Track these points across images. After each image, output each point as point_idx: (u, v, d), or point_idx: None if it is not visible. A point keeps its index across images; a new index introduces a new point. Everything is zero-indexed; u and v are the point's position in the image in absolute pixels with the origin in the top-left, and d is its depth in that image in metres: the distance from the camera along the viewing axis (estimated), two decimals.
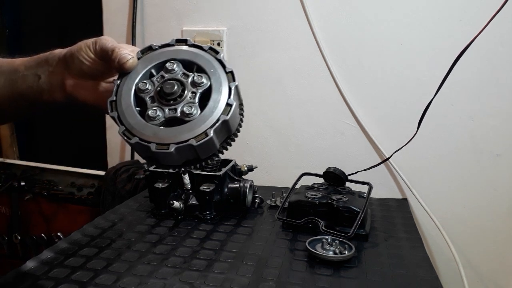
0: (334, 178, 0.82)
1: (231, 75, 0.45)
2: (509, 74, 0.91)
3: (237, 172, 0.86)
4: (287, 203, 0.78)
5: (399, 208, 0.90)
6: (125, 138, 0.43)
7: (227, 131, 0.45)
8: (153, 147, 0.42)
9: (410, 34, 0.94)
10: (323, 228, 0.71)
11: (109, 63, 0.48)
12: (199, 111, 0.43)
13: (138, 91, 0.45)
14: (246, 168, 0.87)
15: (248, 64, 1.04)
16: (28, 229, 1.29)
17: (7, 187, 1.27)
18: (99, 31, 1.13)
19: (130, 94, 0.45)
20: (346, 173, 0.82)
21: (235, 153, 0.90)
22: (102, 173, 1.14)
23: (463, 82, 0.91)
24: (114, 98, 0.45)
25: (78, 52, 0.50)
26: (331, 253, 0.63)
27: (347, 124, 1.00)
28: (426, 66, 0.94)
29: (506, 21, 0.84)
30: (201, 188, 0.77)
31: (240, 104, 0.47)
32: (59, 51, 0.52)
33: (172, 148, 0.41)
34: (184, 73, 0.46)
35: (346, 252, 0.63)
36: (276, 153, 1.06)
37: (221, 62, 0.45)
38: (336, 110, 1.00)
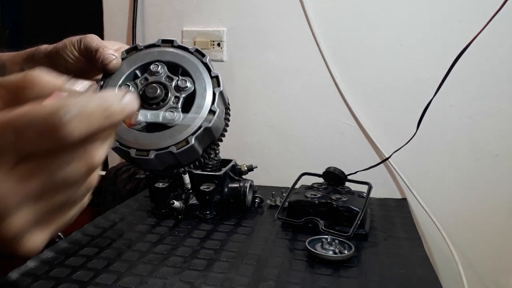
0: (334, 178, 0.82)
1: (216, 80, 0.44)
2: (509, 74, 0.91)
3: (237, 172, 0.86)
4: (287, 203, 0.78)
5: (399, 208, 0.90)
6: None
7: (210, 137, 0.44)
8: (132, 152, 0.41)
9: (410, 34, 0.94)
10: (323, 227, 0.71)
11: (93, 63, 0.47)
12: (181, 117, 0.42)
13: None
14: (246, 168, 0.87)
15: (248, 64, 1.04)
16: None
17: None
18: (99, 32, 1.13)
19: None
20: (346, 173, 0.82)
21: (235, 153, 0.90)
22: (103, 173, 1.14)
23: (462, 82, 0.91)
24: None
25: (63, 50, 0.48)
26: (330, 252, 0.63)
27: (347, 124, 1.00)
28: (426, 66, 0.94)
29: (505, 21, 0.85)
30: (201, 188, 0.77)
31: (226, 109, 0.47)
32: (45, 47, 0.50)
33: (152, 155, 0.41)
34: (168, 76, 0.45)
35: (346, 252, 0.63)
36: (276, 153, 1.07)
37: (206, 66, 0.45)
38: (336, 110, 1.00)
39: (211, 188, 0.77)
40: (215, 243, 0.69)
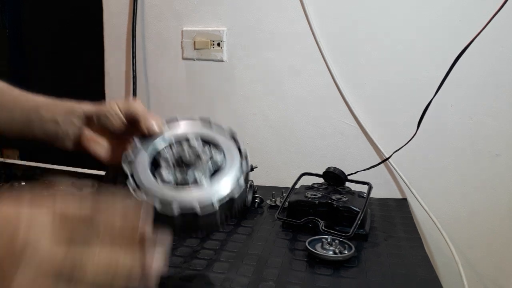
0: (334, 178, 0.82)
1: (245, 159, 0.47)
2: (509, 74, 0.91)
3: None
4: (287, 203, 0.78)
5: (399, 208, 0.90)
6: (135, 194, 0.44)
7: (230, 210, 0.45)
8: (158, 207, 0.42)
9: (410, 34, 0.94)
10: (323, 228, 0.71)
11: (136, 127, 0.50)
12: (209, 184, 0.44)
13: (157, 155, 0.48)
14: None
15: (248, 64, 1.04)
16: None
17: (7, 187, 1.27)
18: (99, 31, 1.13)
19: (148, 157, 0.47)
20: (346, 173, 0.82)
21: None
22: (103, 173, 1.14)
23: (462, 82, 0.91)
24: (132, 157, 0.47)
25: (108, 113, 0.51)
26: (331, 252, 0.63)
27: (347, 124, 1.00)
28: (426, 66, 0.94)
29: (506, 21, 0.84)
30: None
31: (245, 188, 0.48)
32: (86, 106, 0.53)
33: (175, 212, 0.42)
34: (202, 148, 0.48)
35: (346, 252, 0.63)
36: (276, 153, 1.06)
37: (236, 142, 0.49)
38: (336, 110, 1.00)
39: None
40: (215, 243, 0.69)
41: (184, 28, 1.07)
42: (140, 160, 0.47)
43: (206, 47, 1.05)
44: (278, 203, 0.87)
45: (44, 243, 0.30)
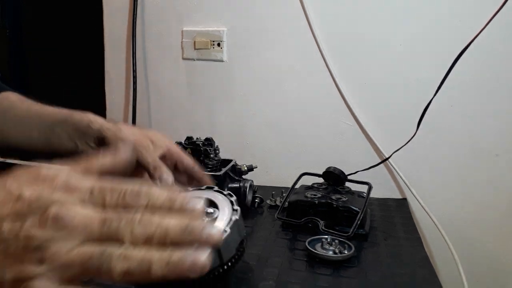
0: (334, 178, 0.82)
1: (236, 212, 0.53)
2: (509, 74, 0.91)
3: (237, 172, 0.86)
4: (287, 203, 0.78)
5: (399, 208, 0.90)
6: None
7: (218, 256, 0.49)
8: None
9: (410, 34, 0.94)
10: (323, 227, 0.71)
11: (147, 172, 0.54)
12: None
13: None
14: (246, 168, 0.87)
15: (248, 65, 1.04)
16: None
17: None
18: (99, 31, 1.13)
19: None
20: (346, 173, 0.82)
21: (235, 153, 0.90)
22: None
23: (462, 82, 0.91)
24: None
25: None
26: (330, 252, 0.63)
27: (347, 124, 1.00)
28: (426, 66, 0.94)
29: (506, 21, 0.84)
30: None
31: (241, 241, 0.54)
32: (100, 132, 0.55)
33: None
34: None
35: (346, 252, 0.63)
36: (276, 153, 1.06)
37: (232, 203, 0.54)
38: (336, 110, 1.00)
39: None
40: None
41: (184, 28, 1.07)
42: None
43: (206, 47, 1.05)
44: (278, 203, 0.87)
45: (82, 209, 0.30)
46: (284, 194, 0.85)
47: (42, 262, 0.27)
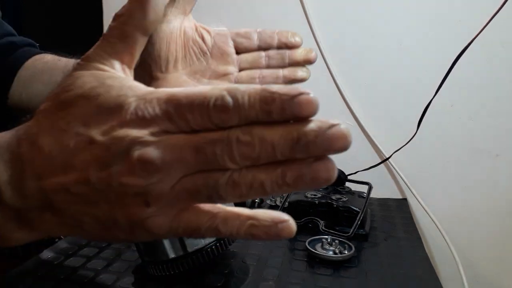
0: None
1: None
2: (509, 74, 0.91)
3: None
4: (287, 203, 0.78)
5: (399, 208, 0.90)
6: None
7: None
8: None
9: (410, 33, 0.94)
10: (323, 228, 0.71)
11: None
12: None
13: None
14: None
15: None
16: None
17: None
18: (99, 31, 1.13)
19: None
20: (346, 173, 0.82)
21: None
22: None
23: (463, 82, 0.91)
24: None
25: None
26: (331, 253, 0.63)
27: (347, 124, 1.00)
28: (426, 66, 0.94)
29: (506, 21, 0.84)
30: None
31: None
32: None
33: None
34: None
35: (346, 252, 0.63)
36: None
37: None
38: (336, 110, 1.00)
39: None
40: None
41: None
42: None
43: None
44: (278, 203, 0.87)
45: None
46: (284, 194, 0.85)
47: (148, 205, 0.26)
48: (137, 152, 0.25)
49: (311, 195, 0.77)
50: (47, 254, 0.63)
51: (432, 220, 0.94)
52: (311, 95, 0.26)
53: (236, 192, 0.25)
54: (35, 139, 0.27)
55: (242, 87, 0.24)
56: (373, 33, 0.96)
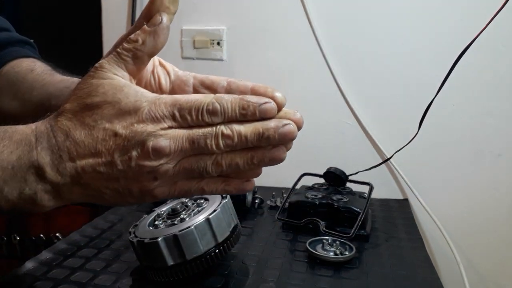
0: (335, 178, 0.81)
1: (225, 197, 0.58)
2: (511, 73, 0.90)
3: None
4: (287, 204, 0.78)
5: (400, 209, 0.90)
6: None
7: (212, 235, 0.53)
8: (147, 240, 0.52)
9: (411, 33, 0.93)
10: (324, 228, 0.71)
11: None
12: (191, 217, 0.54)
13: (155, 216, 0.59)
14: None
15: (248, 64, 1.04)
16: (27, 230, 1.28)
17: None
18: (98, 31, 1.13)
19: (147, 220, 0.59)
20: (347, 173, 0.81)
21: None
22: None
23: (464, 82, 0.91)
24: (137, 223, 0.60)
25: None
26: (331, 253, 0.63)
27: (348, 124, 1.00)
28: (427, 66, 0.93)
29: (507, 20, 0.84)
30: None
31: (235, 227, 0.58)
32: None
33: (159, 239, 0.51)
34: (192, 201, 0.59)
35: (347, 253, 0.63)
36: None
37: (222, 197, 0.58)
38: (337, 110, 1.00)
39: None
40: None
41: (184, 27, 1.06)
42: (141, 223, 0.59)
43: (205, 46, 1.05)
44: (278, 203, 0.86)
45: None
46: (284, 195, 0.84)
47: (156, 180, 0.36)
48: (152, 142, 0.34)
49: (312, 195, 0.76)
50: (46, 254, 0.62)
51: (434, 220, 0.94)
52: (272, 104, 0.36)
53: (219, 169, 0.36)
54: (68, 131, 0.36)
55: (226, 96, 0.36)
56: (374, 33, 0.95)
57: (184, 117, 0.35)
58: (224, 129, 0.35)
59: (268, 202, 0.88)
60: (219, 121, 0.35)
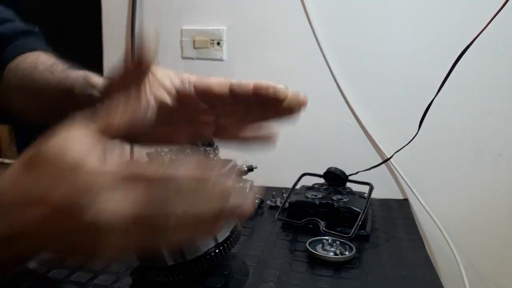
0: (335, 178, 0.81)
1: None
2: (511, 73, 0.90)
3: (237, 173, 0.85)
4: (287, 204, 0.78)
5: (400, 209, 0.90)
6: None
7: (212, 237, 0.52)
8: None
9: (411, 33, 0.93)
10: (324, 228, 0.71)
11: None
12: None
13: None
14: (246, 168, 0.86)
15: (248, 64, 1.04)
16: None
17: None
18: (98, 31, 1.13)
19: None
20: (347, 173, 0.81)
21: (235, 153, 0.90)
22: None
23: (464, 82, 0.91)
24: None
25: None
26: (331, 254, 0.63)
27: (348, 124, 1.00)
28: (427, 66, 0.93)
29: (507, 20, 0.84)
30: None
31: (235, 227, 0.56)
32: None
33: None
34: None
35: (347, 253, 0.63)
36: (276, 153, 1.05)
37: None
38: (337, 110, 1.00)
39: None
40: None
41: (184, 27, 1.06)
42: None
43: (205, 46, 1.04)
44: (278, 203, 0.86)
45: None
46: (284, 195, 0.84)
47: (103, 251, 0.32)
48: (90, 214, 0.30)
49: (312, 195, 0.76)
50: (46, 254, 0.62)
51: (434, 220, 0.94)
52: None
53: (176, 238, 0.33)
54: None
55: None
56: (374, 33, 0.95)
57: (135, 187, 0.32)
58: (177, 206, 0.32)
59: (268, 202, 0.88)
60: (173, 196, 0.33)
